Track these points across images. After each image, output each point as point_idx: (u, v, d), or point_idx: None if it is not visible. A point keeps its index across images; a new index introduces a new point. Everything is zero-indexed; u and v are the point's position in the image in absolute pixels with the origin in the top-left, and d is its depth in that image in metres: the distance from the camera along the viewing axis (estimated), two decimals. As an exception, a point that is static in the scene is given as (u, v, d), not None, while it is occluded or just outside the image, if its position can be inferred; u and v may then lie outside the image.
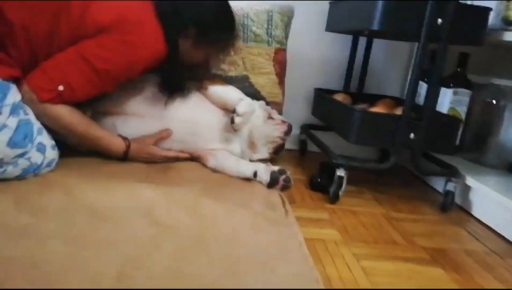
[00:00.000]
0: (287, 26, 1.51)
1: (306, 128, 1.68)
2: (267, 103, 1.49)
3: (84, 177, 0.98)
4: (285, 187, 1.10)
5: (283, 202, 1.02)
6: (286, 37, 1.52)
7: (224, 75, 1.47)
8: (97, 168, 1.06)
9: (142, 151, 1.14)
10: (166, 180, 1.04)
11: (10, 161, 0.90)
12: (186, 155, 1.20)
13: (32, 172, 0.96)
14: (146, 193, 0.94)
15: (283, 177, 1.10)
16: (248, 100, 1.20)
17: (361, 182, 1.45)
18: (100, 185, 0.95)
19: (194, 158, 1.22)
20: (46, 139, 0.98)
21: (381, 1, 1.15)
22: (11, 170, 0.92)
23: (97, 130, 1.09)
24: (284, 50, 1.52)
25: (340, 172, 1.23)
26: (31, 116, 0.96)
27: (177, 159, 1.19)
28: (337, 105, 1.44)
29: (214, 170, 1.17)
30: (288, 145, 1.75)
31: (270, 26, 1.48)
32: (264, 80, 1.50)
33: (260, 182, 1.11)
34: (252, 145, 1.32)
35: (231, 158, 1.19)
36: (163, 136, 1.17)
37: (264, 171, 1.11)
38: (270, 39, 1.48)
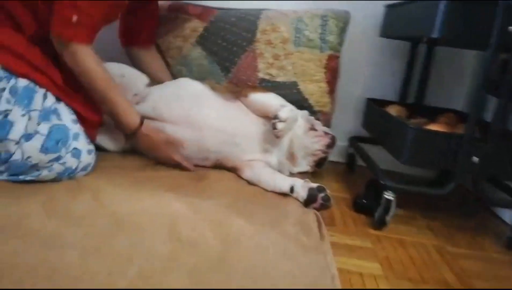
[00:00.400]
0: (342, 32, 1.41)
1: (355, 141, 1.56)
2: (314, 113, 1.40)
3: (115, 183, 0.96)
4: (323, 207, 1.01)
5: (319, 225, 0.93)
6: (341, 43, 1.42)
7: (271, 80, 1.40)
8: (129, 173, 1.04)
9: (151, 138, 1.10)
10: (197, 191, 0.99)
11: (45, 166, 0.91)
12: (190, 167, 1.14)
13: (67, 176, 0.96)
14: (172, 205, 0.89)
15: (321, 195, 1.01)
16: (291, 106, 1.12)
17: (413, 205, 1.31)
18: (128, 192, 0.92)
19: (230, 169, 1.16)
20: (82, 144, 0.98)
21: (442, 4, 1.01)
22: (46, 174, 0.92)
23: (118, 94, 1.06)
24: (338, 57, 1.42)
25: (388, 195, 1.11)
26: (66, 121, 0.95)
27: (178, 166, 1.13)
28: (388, 119, 1.31)
29: (250, 182, 1.11)
30: (335, 158, 1.64)
31: (324, 31, 1.38)
32: (314, 88, 1.40)
33: (297, 199, 1.03)
34: (291, 157, 1.24)
35: (268, 171, 1.12)
36: (175, 141, 1.13)
37: (302, 187, 1.03)
38: (323, 45, 1.38)
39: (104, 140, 1.17)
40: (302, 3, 1.55)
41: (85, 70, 0.99)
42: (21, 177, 0.91)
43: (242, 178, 1.13)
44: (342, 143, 1.60)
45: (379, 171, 1.21)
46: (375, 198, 1.15)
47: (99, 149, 1.14)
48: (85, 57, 0.98)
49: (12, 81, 0.87)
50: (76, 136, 0.96)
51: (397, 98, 1.58)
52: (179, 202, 0.91)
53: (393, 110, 1.43)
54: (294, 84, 1.40)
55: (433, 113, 1.40)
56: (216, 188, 1.03)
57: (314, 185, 1.03)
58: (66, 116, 0.96)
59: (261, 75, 1.40)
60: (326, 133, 1.27)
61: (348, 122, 1.65)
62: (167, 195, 0.92)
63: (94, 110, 1.06)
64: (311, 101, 1.41)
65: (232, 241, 0.80)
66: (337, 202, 1.24)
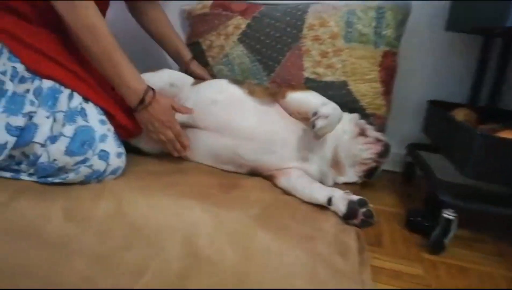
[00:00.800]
0: (400, 25, 1.25)
1: (413, 148, 1.38)
2: (367, 116, 1.27)
3: (141, 189, 0.91)
4: (364, 224, 0.88)
5: (360, 247, 0.80)
6: (399, 38, 1.26)
7: (318, 79, 1.28)
8: (159, 179, 0.98)
9: (160, 109, 0.99)
10: (225, 201, 0.91)
11: (71, 168, 0.89)
12: (182, 149, 1.07)
13: (95, 179, 0.93)
14: (195, 215, 0.82)
15: (363, 210, 0.88)
16: (335, 105, 1.00)
17: (480, 225, 1.12)
18: (153, 200, 0.86)
19: (266, 176, 1.07)
20: (110, 147, 0.94)
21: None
22: (74, 177, 0.90)
23: (123, 56, 0.95)
24: (395, 54, 1.26)
25: (448, 214, 0.95)
26: (92, 122, 0.92)
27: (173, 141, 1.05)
28: (451, 123, 1.12)
29: (285, 192, 1.01)
30: (390, 167, 1.48)
31: (379, 25, 1.24)
32: (366, 88, 1.27)
33: (336, 213, 0.91)
34: (337, 165, 1.12)
35: (305, 180, 1.01)
36: (181, 108, 1.06)
37: (341, 199, 0.91)
38: (378, 40, 1.24)
39: (140, 142, 1.13)
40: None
41: (87, 25, 0.89)
42: (50, 179, 0.90)
43: (278, 187, 1.03)
44: (399, 150, 1.44)
45: (438, 184, 1.04)
46: (433, 215, 0.99)
47: (135, 151, 1.11)
48: (86, 10, 0.89)
49: (37, 82, 0.86)
50: (103, 138, 0.93)
51: (465, 101, 1.38)
52: (203, 212, 0.84)
53: (460, 114, 1.24)
54: (343, 84, 1.27)
55: (509, 118, 1.19)
56: (246, 198, 0.95)
57: (355, 197, 0.90)
58: (93, 117, 0.92)
59: (306, 74, 1.29)
60: (378, 140, 1.14)
61: (406, 127, 1.48)
62: (191, 204, 0.85)
63: (126, 112, 1.01)
64: (363, 103, 1.27)
65: (254, 258, 0.72)
66: (388, 218, 1.09)
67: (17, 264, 0.66)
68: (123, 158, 0.98)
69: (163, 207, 0.85)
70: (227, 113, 1.07)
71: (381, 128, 1.31)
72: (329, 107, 0.98)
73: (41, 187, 0.89)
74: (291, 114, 1.07)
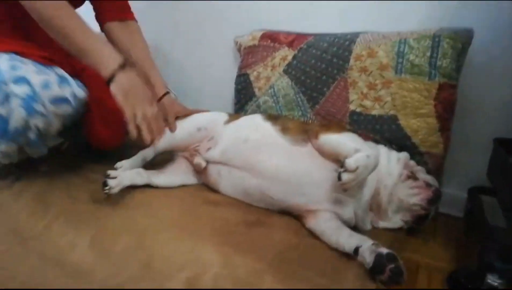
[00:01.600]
0: (460, 55, 1.12)
1: (475, 192, 1.20)
2: (421, 154, 1.15)
3: (166, 220, 0.95)
4: (391, 281, 0.78)
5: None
6: (458, 69, 1.13)
7: (365, 112, 1.20)
8: (185, 210, 1.02)
9: (140, 83, 0.98)
10: (245, 240, 0.90)
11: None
12: (149, 137, 1.02)
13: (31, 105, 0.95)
14: (205, 255, 0.83)
15: (391, 266, 0.78)
16: (368, 153, 0.91)
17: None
18: (173, 233, 0.90)
19: (296, 216, 1.02)
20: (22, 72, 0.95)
21: None
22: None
23: (92, 30, 0.97)
24: (453, 86, 1.13)
25: (493, 280, 0.79)
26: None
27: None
28: (507, 165, 0.95)
29: (313, 233, 0.94)
30: (453, 212, 1.30)
31: (435, 55, 1.12)
32: (419, 124, 1.15)
33: (363, 264, 0.82)
34: (378, 209, 1.02)
35: (334, 224, 0.93)
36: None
37: (368, 251, 0.82)
38: (433, 71, 1.12)
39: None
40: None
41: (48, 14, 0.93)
42: None
43: (306, 228, 0.97)
44: (461, 193, 1.26)
45: (486, 238, 0.89)
46: (478, 278, 0.84)
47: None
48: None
49: None
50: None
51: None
52: (215, 252, 0.83)
53: (534, 157, 1.05)
54: (393, 118, 1.17)
55: None
56: (268, 239, 0.91)
57: (384, 251, 0.80)
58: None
59: (352, 107, 1.21)
60: (428, 185, 1.02)
61: (469, 168, 1.29)
62: (206, 241, 0.87)
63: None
64: (415, 139, 1.15)
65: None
66: (430, 275, 0.95)
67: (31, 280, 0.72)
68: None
69: (181, 241, 0.88)
70: (256, 153, 1.05)
71: (437, 168, 1.18)
72: (359, 158, 0.90)
73: (75, 211, 0.96)
74: (323, 155, 1.01)
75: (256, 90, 1.39)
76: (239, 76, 1.45)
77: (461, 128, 1.23)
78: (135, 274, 0.76)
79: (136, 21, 1.31)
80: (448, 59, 1.11)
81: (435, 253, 1.07)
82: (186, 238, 0.87)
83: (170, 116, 1.20)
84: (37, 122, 0.98)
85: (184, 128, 1.18)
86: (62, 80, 1.02)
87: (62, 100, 1.01)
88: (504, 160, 1.01)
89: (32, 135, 1.00)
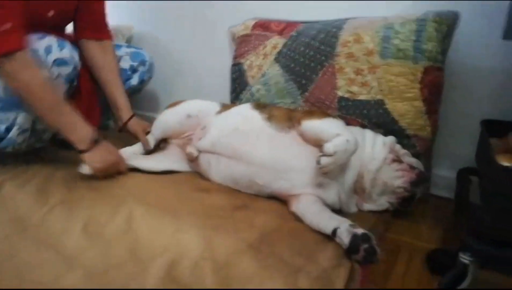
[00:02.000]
0: (445, 38, 1.12)
1: (465, 174, 1.21)
2: (408, 138, 1.16)
3: (152, 204, 1.00)
4: (366, 261, 0.81)
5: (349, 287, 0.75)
6: (444, 52, 1.13)
7: (352, 98, 1.22)
8: (176, 195, 1.07)
9: (109, 150, 1.11)
10: (228, 222, 0.94)
11: None
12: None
13: None
14: (188, 237, 0.87)
15: (365, 246, 0.81)
16: (348, 137, 0.94)
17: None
18: (159, 218, 0.95)
19: (283, 200, 1.06)
20: None
21: None
22: None
23: (67, 105, 1.07)
24: (439, 69, 1.13)
25: (464, 257, 0.81)
26: None
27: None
28: (486, 153, 0.95)
29: (296, 217, 0.98)
30: (444, 193, 1.31)
31: (420, 38, 1.13)
32: (406, 107, 1.16)
33: (341, 245, 0.86)
34: (362, 192, 1.05)
35: (316, 208, 0.97)
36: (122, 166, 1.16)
37: (346, 232, 0.85)
38: (418, 55, 1.13)
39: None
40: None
41: (28, 89, 1.02)
42: None
43: (291, 212, 1.01)
44: (453, 175, 1.27)
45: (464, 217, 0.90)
46: (453, 256, 0.86)
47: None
48: (26, 73, 1.01)
49: None
50: None
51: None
52: (197, 235, 0.88)
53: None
54: (380, 103, 1.19)
55: None
56: (250, 221, 0.95)
57: (360, 231, 0.84)
58: None
59: (340, 93, 1.23)
60: (412, 167, 1.04)
61: (457, 150, 1.30)
62: (190, 225, 0.91)
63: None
64: (403, 123, 1.17)
65: (231, 288, 0.73)
66: (412, 255, 0.98)
67: (26, 264, 0.79)
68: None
69: (166, 226, 0.92)
70: (244, 142, 1.09)
71: (426, 151, 1.19)
72: (338, 143, 0.93)
73: (70, 199, 1.03)
74: (306, 141, 1.04)
75: (249, 78, 1.42)
76: (233, 65, 1.49)
77: (452, 110, 1.24)
78: (120, 257, 0.81)
79: (112, 40, 1.38)
80: (433, 43, 1.11)
81: (421, 234, 1.09)
82: (171, 223, 0.92)
83: (140, 134, 1.29)
84: None
85: (175, 114, 1.25)
86: (60, 43, 1.12)
87: (63, 62, 1.12)
88: (484, 142, 1.01)
89: None
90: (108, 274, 0.77)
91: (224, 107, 1.26)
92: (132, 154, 1.22)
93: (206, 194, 1.08)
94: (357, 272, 0.80)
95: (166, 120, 1.26)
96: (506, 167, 0.89)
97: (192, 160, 1.20)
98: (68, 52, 1.13)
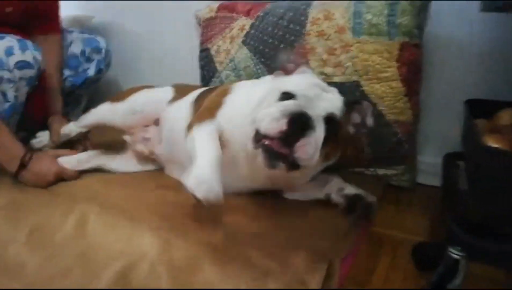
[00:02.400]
0: (421, 11, 1.03)
1: (452, 159, 1.13)
2: (388, 125, 1.08)
3: (109, 206, 0.91)
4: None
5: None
6: (420, 27, 1.04)
7: (327, 81, 1.12)
8: (136, 194, 0.98)
9: (43, 162, 1.01)
10: (191, 223, 0.85)
11: None
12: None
13: None
14: (144, 240, 0.79)
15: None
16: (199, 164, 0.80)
17: None
18: (114, 220, 0.86)
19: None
20: None
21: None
22: None
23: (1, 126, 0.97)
24: (416, 45, 1.05)
25: (455, 253, 0.73)
26: None
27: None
28: (472, 133, 0.87)
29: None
30: (430, 180, 1.23)
31: (393, 12, 1.04)
32: (383, 88, 1.08)
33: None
34: None
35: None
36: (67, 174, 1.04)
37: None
38: (392, 30, 1.04)
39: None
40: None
41: None
42: None
43: None
44: (437, 160, 1.18)
45: (458, 213, 0.82)
46: (440, 250, 0.78)
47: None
48: None
49: None
50: None
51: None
52: (154, 237, 0.80)
53: (505, 117, 0.98)
54: (356, 85, 1.10)
55: None
56: (213, 220, 0.86)
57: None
58: None
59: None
60: None
61: (446, 133, 1.20)
62: (148, 227, 0.83)
63: None
64: (382, 106, 1.09)
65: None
66: (395, 249, 0.90)
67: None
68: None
69: (121, 229, 0.83)
70: (174, 142, 1.01)
71: (408, 137, 1.10)
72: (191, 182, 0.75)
73: (18, 201, 0.93)
74: None
75: (217, 64, 1.33)
76: (201, 51, 1.39)
77: (434, 91, 1.15)
78: (67, 265, 0.73)
79: (59, 33, 1.34)
80: (407, 17, 1.03)
81: (406, 226, 1.01)
82: (127, 225, 0.83)
83: (52, 127, 1.21)
84: (6, 88, 1.02)
85: (119, 111, 1.08)
86: (22, 43, 1.06)
87: (26, 64, 1.06)
88: (469, 123, 0.93)
89: (5, 105, 1.04)
90: (53, 283, 0.69)
91: (178, 93, 1.09)
92: (89, 157, 1.09)
93: (169, 192, 0.99)
94: (336, 272, 0.72)
95: (103, 116, 1.11)
96: (493, 148, 0.82)
97: (146, 158, 1.09)
98: (30, 54, 1.07)
